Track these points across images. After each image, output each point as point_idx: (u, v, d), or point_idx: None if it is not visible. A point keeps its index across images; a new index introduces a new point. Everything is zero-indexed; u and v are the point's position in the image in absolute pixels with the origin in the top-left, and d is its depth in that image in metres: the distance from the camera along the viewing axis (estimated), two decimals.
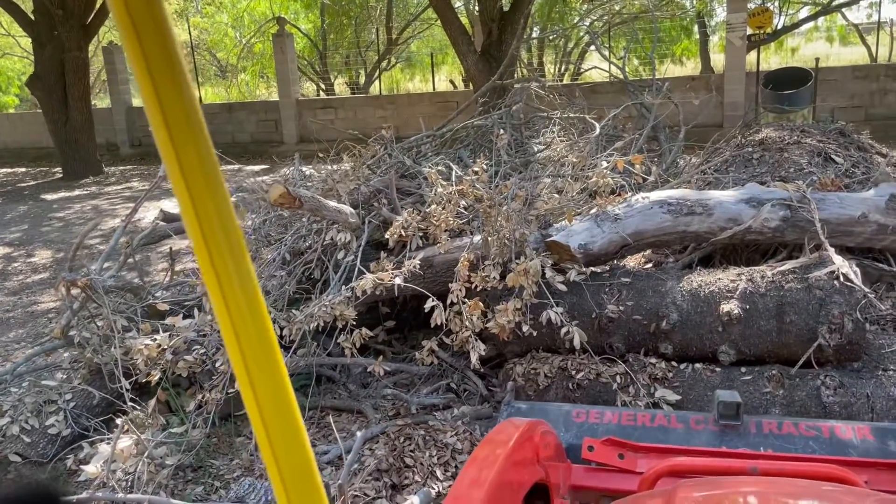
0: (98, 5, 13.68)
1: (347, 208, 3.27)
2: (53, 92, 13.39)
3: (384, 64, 21.14)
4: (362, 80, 21.37)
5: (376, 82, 20.20)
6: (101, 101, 21.26)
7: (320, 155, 4.98)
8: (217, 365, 3.24)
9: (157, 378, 3.15)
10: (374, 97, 17.45)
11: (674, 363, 3.26)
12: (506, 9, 10.74)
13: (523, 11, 10.27)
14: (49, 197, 11.81)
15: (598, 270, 3.60)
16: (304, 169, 4.30)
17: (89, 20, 13.63)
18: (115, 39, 19.15)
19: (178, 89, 0.48)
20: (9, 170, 16.08)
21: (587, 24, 20.49)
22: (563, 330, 3.24)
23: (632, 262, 4.19)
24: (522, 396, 3.29)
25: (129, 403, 3.15)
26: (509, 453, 1.45)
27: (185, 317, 3.58)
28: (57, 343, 3.60)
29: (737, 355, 3.18)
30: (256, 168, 14.18)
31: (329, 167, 4.56)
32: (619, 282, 3.45)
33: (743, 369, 3.15)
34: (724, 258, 3.97)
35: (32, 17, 13.47)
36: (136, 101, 19.66)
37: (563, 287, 3.38)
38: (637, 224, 3.52)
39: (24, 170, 15.91)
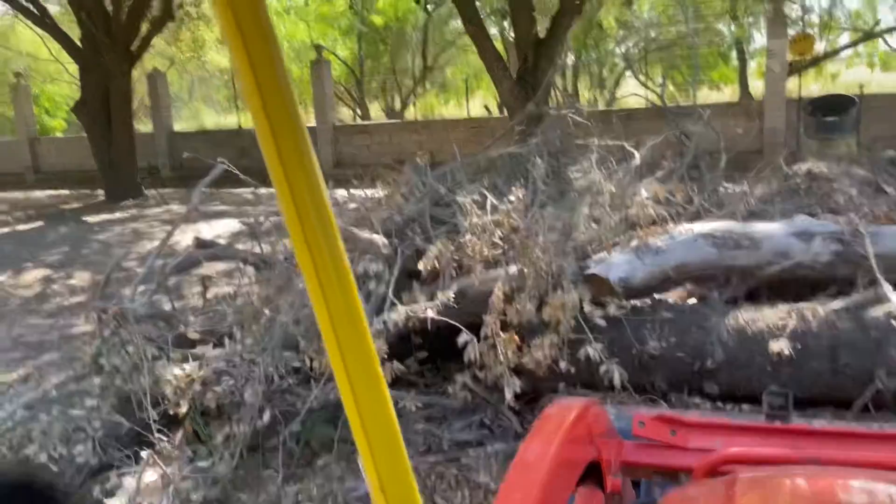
0: (142, 33, 14.00)
1: (380, 238, 3.20)
2: (98, 117, 13.69)
3: (419, 89, 21.28)
4: (398, 105, 21.53)
5: (411, 107, 20.34)
6: (144, 126, 21.73)
7: (355, 182, 4.94)
8: (245, 396, 3.17)
9: (185, 409, 3.10)
10: (410, 122, 17.54)
11: (719, 403, 3.11)
12: (541, 35, 10.71)
13: (560, 38, 10.23)
14: (90, 219, 12.02)
15: (639, 304, 3.48)
16: (336, 195, 4.25)
17: (134, 47, 13.95)
18: (158, 66, 19.60)
19: (287, 112, 0.54)
20: (53, 192, 16.46)
21: (623, 50, 20.43)
22: (603, 368, 3.11)
23: (672, 294, 4.05)
24: None
25: (157, 434, 3.09)
26: (567, 430, 1.48)
27: (215, 346, 3.53)
28: (88, 370, 3.58)
29: None
30: None
31: (362, 194, 4.51)
32: (660, 317, 3.32)
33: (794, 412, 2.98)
34: (772, 292, 3.80)
35: (80, 45, 13.84)
36: (178, 126, 20.04)
37: (602, 322, 3.26)
38: (680, 257, 3.39)
39: (67, 192, 16.27)
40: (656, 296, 3.59)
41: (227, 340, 3.54)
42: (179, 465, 3.00)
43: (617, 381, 3.10)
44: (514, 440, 3.49)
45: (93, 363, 3.61)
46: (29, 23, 14.89)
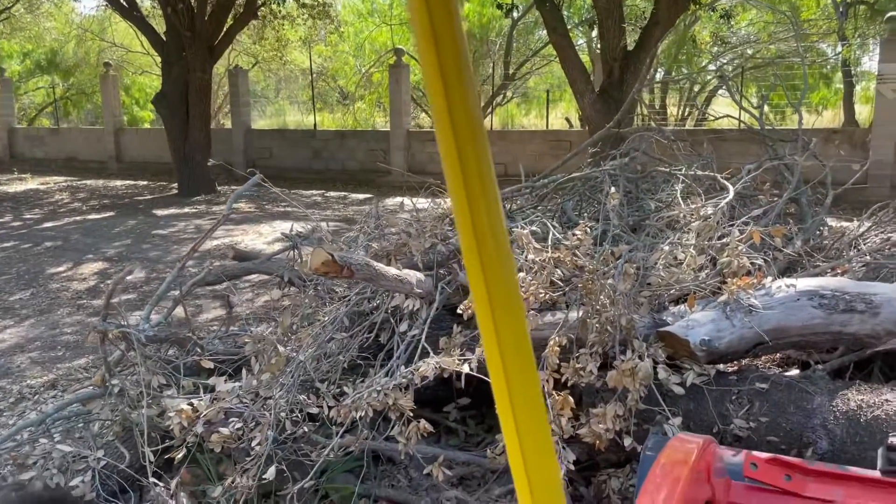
0: (224, 30, 14.06)
1: (413, 276, 2.74)
2: (177, 110, 13.81)
3: (499, 98, 20.82)
4: None
5: (490, 116, 19.88)
6: (227, 122, 22.05)
7: (423, 186, 4.52)
8: (253, 443, 2.76)
9: (182, 453, 2.72)
10: (486, 132, 17.07)
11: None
12: (630, 48, 10.08)
13: (649, 52, 9.57)
14: (160, 212, 12.06)
15: (724, 369, 2.90)
16: (382, 213, 3.81)
17: (216, 43, 14.02)
18: (240, 63, 19.82)
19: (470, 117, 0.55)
20: (131, 182, 16.78)
21: (716, 67, 19.40)
22: None
23: (762, 359, 3.43)
24: None
25: (151, 479, 2.72)
26: (691, 468, 1.48)
27: (229, 377, 3.15)
28: (95, 392, 3.26)
29: None
30: (362, 196, 14.08)
31: (416, 208, 4.07)
32: (750, 388, 2.74)
33: None
34: (889, 366, 3.15)
35: (164, 38, 14.01)
36: (261, 123, 20.19)
37: (679, 390, 2.70)
38: (778, 319, 2.79)
39: (144, 183, 16.55)
40: (745, 361, 3.00)
41: (244, 372, 3.15)
42: None
43: None
44: None
45: (102, 384, 3.29)
46: (118, 15, 15.20)
